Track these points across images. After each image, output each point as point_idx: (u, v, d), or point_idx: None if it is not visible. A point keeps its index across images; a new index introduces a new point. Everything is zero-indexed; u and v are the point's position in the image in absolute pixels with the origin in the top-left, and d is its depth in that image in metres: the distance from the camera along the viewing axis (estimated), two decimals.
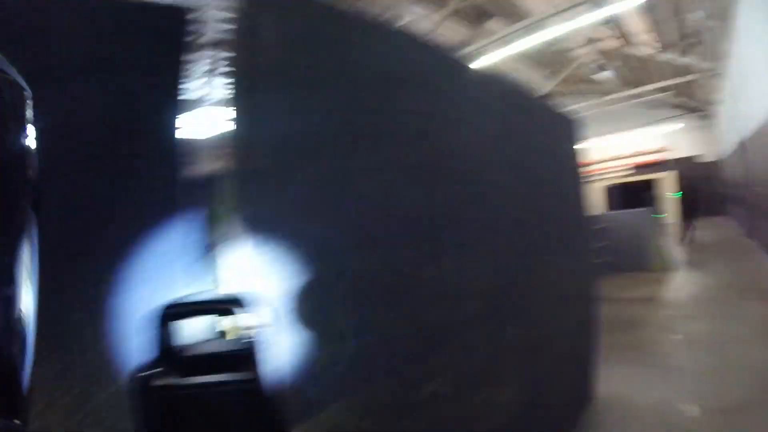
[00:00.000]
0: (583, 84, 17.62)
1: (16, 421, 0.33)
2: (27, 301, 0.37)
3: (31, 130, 0.41)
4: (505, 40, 8.04)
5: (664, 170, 18.58)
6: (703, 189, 18.49)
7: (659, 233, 8.75)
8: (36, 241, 0.39)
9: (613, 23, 10.47)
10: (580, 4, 6.83)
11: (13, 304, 0.35)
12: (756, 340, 4.12)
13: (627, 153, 20.60)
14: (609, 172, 20.61)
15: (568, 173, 3.00)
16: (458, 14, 10.30)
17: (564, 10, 6.88)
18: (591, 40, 12.25)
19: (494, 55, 8.52)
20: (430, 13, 8.90)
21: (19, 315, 0.36)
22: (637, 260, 8.62)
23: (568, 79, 16.94)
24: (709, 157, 19.09)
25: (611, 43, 12.05)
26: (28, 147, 0.40)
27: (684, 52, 11.77)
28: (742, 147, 11.82)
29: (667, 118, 19.23)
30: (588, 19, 7.00)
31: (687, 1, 8.84)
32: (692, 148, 19.52)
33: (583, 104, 15.10)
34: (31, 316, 0.37)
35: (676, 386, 3.32)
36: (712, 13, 8.64)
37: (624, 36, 11.44)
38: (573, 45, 12.77)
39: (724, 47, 10.31)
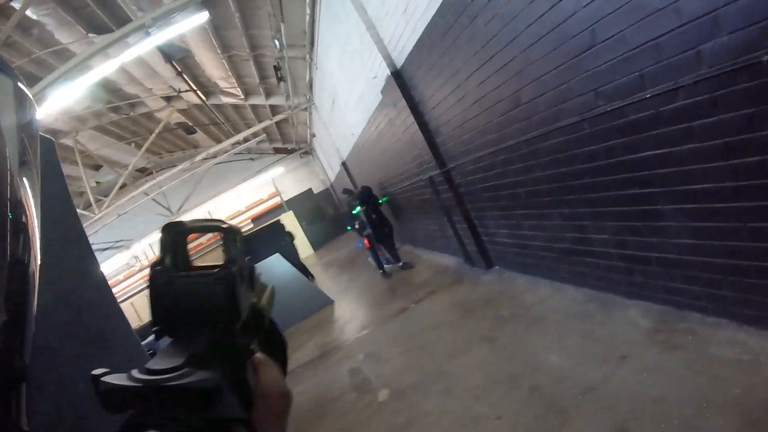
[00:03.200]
0: (175, 152, 16.59)
1: (20, 424, 0.33)
2: (27, 301, 0.37)
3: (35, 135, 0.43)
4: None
5: (282, 212, 20.02)
6: (329, 214, 20.63)
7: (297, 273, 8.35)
8: (36, 242, 0.39)
9: (188, 75, 9.61)
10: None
11: (13, 304, 0.34)
12: None
13: (241, 208, 20.75)
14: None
15: None
16: None
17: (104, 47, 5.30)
18: (170, 99, 11.13)
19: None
20: None
21: (19, 316, 0.35)
22: (295, 310, 7.76)
23: (156, 150, 15.46)
24: (320, 186, 21.10)
25: (192, 99, 11.28)
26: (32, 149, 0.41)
27: (269, 93, 11.64)
28: (345, 167, 12.84)
29: (269, 164, 20.11)
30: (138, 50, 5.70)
31: (260, 37, 8.32)
32: (301, 185, 21.13)
33: (181, 170, 13.88)
34: (32, 316, 0.37)
35: None
36: (290, 42, 8.32)
37: (203, 88, 10.75)
38: (153, 108, 11.22)
39: (308, 76, 10.46)
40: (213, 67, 9.32)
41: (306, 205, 20.54)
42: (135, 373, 0.37)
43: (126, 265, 18.89)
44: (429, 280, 6.63)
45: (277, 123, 14.30)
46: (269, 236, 11.78)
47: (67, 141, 10.92)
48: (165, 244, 0.47)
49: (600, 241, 3.20)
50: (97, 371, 0.36)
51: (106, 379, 0.36)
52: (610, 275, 3.28)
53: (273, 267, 7.93)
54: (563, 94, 2.88)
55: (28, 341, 0.36)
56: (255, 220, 20.08)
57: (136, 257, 19.45)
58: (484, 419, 2.81)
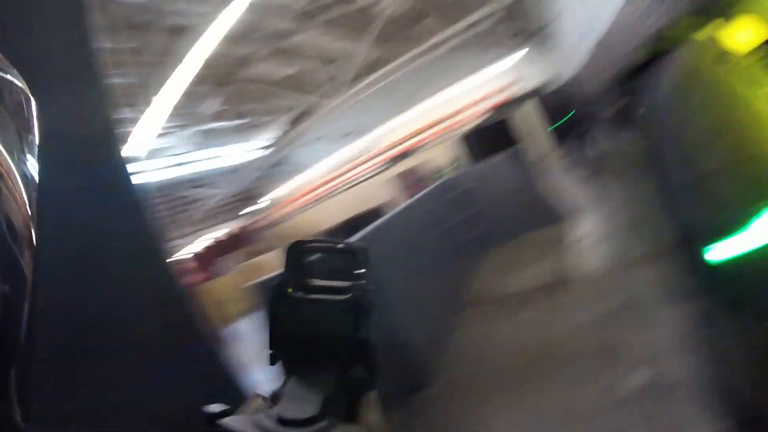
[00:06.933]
0: (404, 40, 15.88)
1: (19, 422, 0.31)
2: (28, 298, 0.34)
3: (33, 134, 0.40)
4: None
5: (522, 104, 17.77)
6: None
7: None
8: (36, 236, 0.36)
9: None
10: None
11: (13, 301, 0.32)
12: None
13: (478, 98, 19.23)
14: (462, 124, 18.95)
15: None
16: None
17: None
18: None
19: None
20: None
21: (21, 311, 0.33)
22: (523, 218, 6.46)
23: (383, 39, 15.14)
24: (565, 76, 18.17)
25: None
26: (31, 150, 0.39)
27: None
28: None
29: (507, 50, 17.87)
30: None
31: None
32: (545, 73, 18.34)
33: (414, 57, 13.23)
34: (34, 312, 0.35)
35: None
36: None
37: None
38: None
39: None
40: None
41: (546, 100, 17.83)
42: (264, 420, 0.33)
43: (365, 148, 20.25)
44: None
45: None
46: (503, 131, 10.56)
47: (298, 37, 11.55)
48: (289, 262, 0.44)
49: None
50: (213, 408, 0.32)
51: (228, 422, 0.32)
52: None
53: (506, 165, 7.13)
54: None
55: (23, 317, 0.32)
56: (493, 110, 18.67)
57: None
58: None
